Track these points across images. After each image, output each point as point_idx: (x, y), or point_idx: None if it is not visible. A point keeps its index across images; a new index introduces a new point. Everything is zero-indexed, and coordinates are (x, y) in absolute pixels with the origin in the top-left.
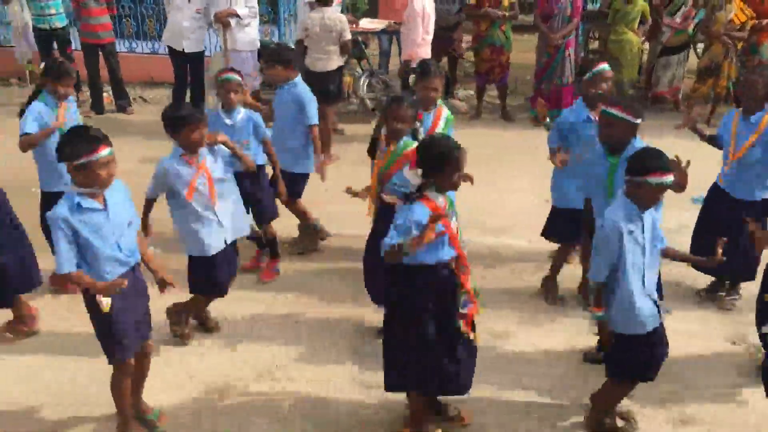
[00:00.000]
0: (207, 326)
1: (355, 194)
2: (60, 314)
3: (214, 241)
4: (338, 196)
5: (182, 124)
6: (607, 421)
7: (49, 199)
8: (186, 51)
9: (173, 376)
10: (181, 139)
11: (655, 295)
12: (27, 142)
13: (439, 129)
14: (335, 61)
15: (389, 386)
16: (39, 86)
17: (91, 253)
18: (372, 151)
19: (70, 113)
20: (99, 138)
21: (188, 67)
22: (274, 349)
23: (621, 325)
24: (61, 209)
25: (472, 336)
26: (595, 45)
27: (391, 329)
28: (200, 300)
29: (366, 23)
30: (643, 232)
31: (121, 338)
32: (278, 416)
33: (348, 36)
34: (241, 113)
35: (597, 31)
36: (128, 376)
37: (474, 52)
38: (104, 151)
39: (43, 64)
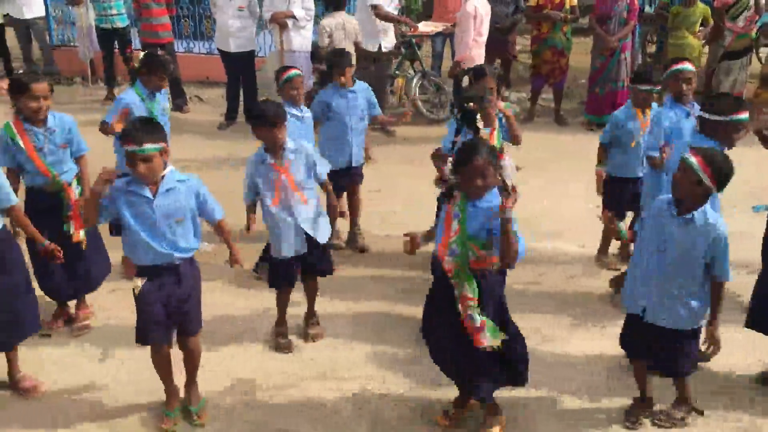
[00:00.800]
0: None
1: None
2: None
3: (286, 248)
4: (389, 197)
5: (271, 122)
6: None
7: None
8: (234, 51)
9: (236, 373)
10: (266, 139)
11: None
12: (103, 130)
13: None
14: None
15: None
16: (134, 76)
17: (129, 235)
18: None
19: (158, 106)
20: (148, 133)
21: (239, 67)
22: (333, 350)
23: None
24: (118, 182)
25: (486, 345)
26: (652, 49)
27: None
28: (279, 295)
29: (423, 26)
30: None
31: (144, 322)
32: (336, 416)
33: (360, 38)
34: (306, 111)
35: (654, 35)
36: (160, 358)
37: (533, 54)
38: (147, 146)
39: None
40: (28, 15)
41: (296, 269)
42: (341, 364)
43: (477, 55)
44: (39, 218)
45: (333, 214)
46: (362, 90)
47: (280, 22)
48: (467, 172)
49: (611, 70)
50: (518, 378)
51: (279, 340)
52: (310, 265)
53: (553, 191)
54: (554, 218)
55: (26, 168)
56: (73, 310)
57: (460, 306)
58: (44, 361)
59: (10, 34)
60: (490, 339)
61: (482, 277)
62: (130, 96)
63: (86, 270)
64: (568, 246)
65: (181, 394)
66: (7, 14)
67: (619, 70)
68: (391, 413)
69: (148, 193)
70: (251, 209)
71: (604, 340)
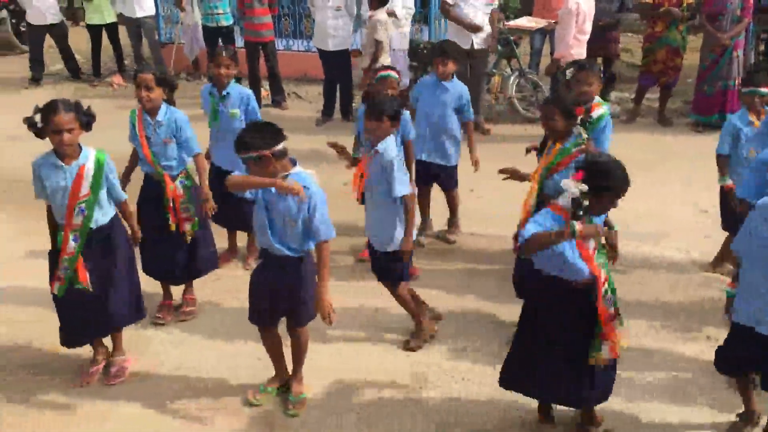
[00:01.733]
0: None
1: (512, 174)
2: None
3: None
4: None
5: (376, 115)
6: None
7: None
8: (331, 49)
9: (333, 369)
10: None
11: None
12: None
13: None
14: None
15: (502, 381)
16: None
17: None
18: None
19: (223, 107)
20: (241, 142)
21: (336, 65)
22: (426, 348)
23: None
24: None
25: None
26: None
27: (520, 329)
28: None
29: (525, 22)
30: None
31: (251, 307)
32: (437, 415)
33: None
34: None
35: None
36: (266, 340)
37: (646, 52)
38: (244, 155)
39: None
40: (140, 14)
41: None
42: (444, 364)
43: (577, 54)
44: (148, 203)
45: (409, 228)
46: (456, 88)
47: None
48: (610, 196)
49: (722, 68)
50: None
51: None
52: (375, 270)
53: (656, 193)
54: (657, 221)
55: (138, 154)
56: (178, 298)
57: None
58: (151, 342)
59: (122, 33)
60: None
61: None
62: (206, 89)
63: (188, 260)
64: (672, 251)
65: None
66: (121, 13)
67: (731, 68)
68: (488, 414)
69: (272, 189)
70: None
71: (709, 351)
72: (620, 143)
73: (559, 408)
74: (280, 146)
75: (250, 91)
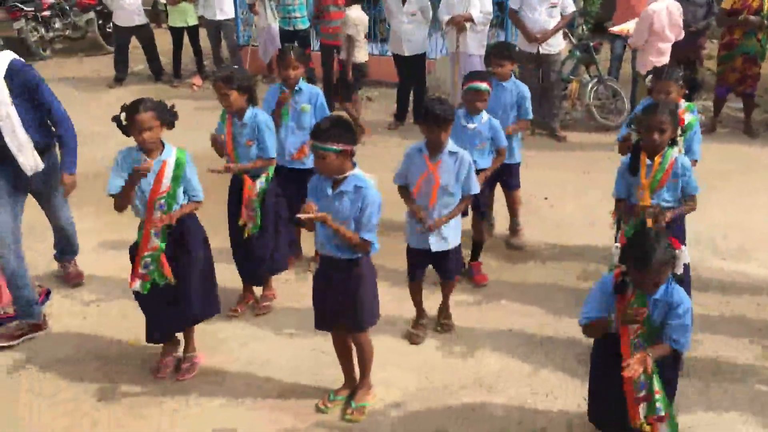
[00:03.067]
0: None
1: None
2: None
3: (413, 239)
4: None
5: (435, 120)
6: None
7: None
8: (407, 54)
9: (394, 374)
10: (429, 136)
11: None
12: None
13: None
14: None
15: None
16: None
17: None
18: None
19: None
20: (330, 132)
21: (410, 70)
22: (489, 357)
23: None
24: (313, 179)
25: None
26: None
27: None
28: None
29: (631, 25)
30: None
31: (315, 311)
32: (491, 423)
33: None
34: (484, 118)
35: None
36: (335, 344)
37: (721, 60)
38: (325, 146)
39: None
40: (220, 17)
41: (423, 264)
42: (503, 374)
43: (658, 62)
44: (233, 203)
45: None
46: (515, 88)
47: (460, 24)
48: (647, 273)
49: None
50: None
51: (410, 330)
52: (438, 268)
53: (740, 205)
54: (740, 235)
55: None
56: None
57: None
58: (224, 338)
59: (202, 35)
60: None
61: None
62: (272, 90)
63: (252, 259)
64: (756, 268)
65: None
66: (202, 16)
67: None
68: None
69: (328, 189)
70: (402, 191)
71: None
72: (702, 153)
73: None
74: (354, 146)
75: (319, 89)
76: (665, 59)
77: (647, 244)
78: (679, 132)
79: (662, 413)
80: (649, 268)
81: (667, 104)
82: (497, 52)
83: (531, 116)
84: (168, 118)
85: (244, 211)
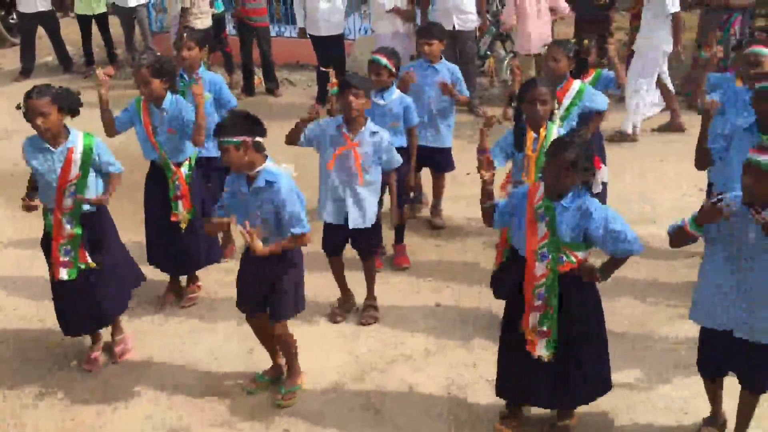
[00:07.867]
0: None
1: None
2: None
3: (330, 214)
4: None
5: (343, 89)
6: None
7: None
8: (324, 35)
9: (330, 354)
10: (345, 106)
11: None
12: None
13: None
14: None
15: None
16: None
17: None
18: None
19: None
20: (223, 126)
21: (328, 51)
22: (418, 334)
23: None
24: (229, 177)
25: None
26: None
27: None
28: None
29: None
30: None
31: (237, 292)
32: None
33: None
34: (395, 95)
35: None
36: (254, 328)
37: (634, 30)
38: (224, 138)
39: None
40: (133, 3)
41: (340, 239)
42: (432, 348)
43: (537, 33)
44: (153, 193)
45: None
46: (448, 70)
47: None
48: (553, 166)
49: None
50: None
51: (333, 309)
52: (356, 245)
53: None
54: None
55: (141, 142)
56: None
57: (527, 309)
58: (147, 332)
59: (113, 22)
60: (543, 350)
61: (571, 282)
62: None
63: (184, 250)
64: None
65: None
66: (113, 3)
67: None
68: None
69: (243, 187)
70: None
71: None
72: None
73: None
74: (260, 138)
75: (221, 78)
76: (542, 41)
77: (564, 144)
78: (556, 106)
79: (545, 329)
80: (559, 158)
81: (545, 79)
82: (424, 32)
83: (467, 93)
84: (68, 104)
85: (183, 201)
